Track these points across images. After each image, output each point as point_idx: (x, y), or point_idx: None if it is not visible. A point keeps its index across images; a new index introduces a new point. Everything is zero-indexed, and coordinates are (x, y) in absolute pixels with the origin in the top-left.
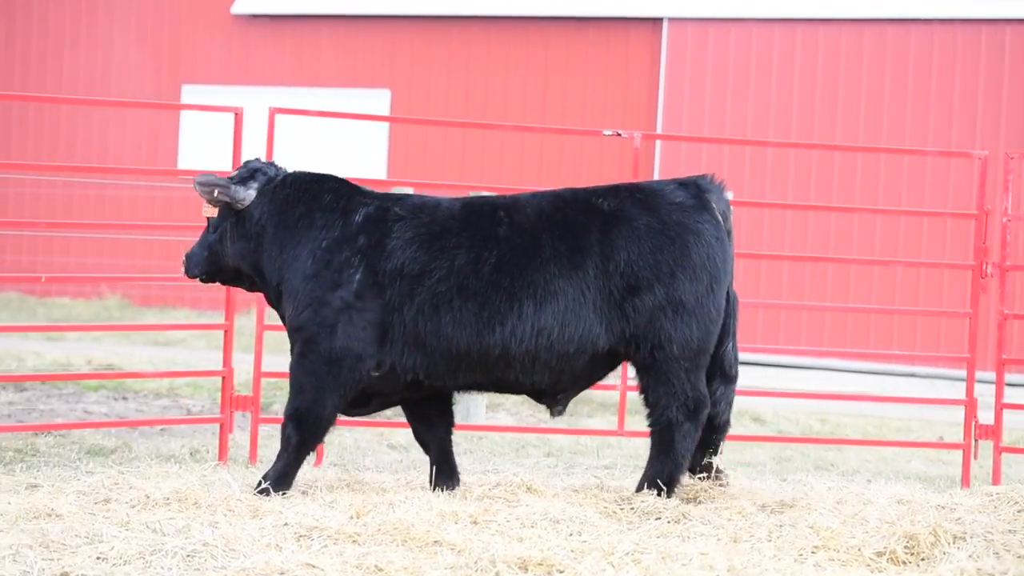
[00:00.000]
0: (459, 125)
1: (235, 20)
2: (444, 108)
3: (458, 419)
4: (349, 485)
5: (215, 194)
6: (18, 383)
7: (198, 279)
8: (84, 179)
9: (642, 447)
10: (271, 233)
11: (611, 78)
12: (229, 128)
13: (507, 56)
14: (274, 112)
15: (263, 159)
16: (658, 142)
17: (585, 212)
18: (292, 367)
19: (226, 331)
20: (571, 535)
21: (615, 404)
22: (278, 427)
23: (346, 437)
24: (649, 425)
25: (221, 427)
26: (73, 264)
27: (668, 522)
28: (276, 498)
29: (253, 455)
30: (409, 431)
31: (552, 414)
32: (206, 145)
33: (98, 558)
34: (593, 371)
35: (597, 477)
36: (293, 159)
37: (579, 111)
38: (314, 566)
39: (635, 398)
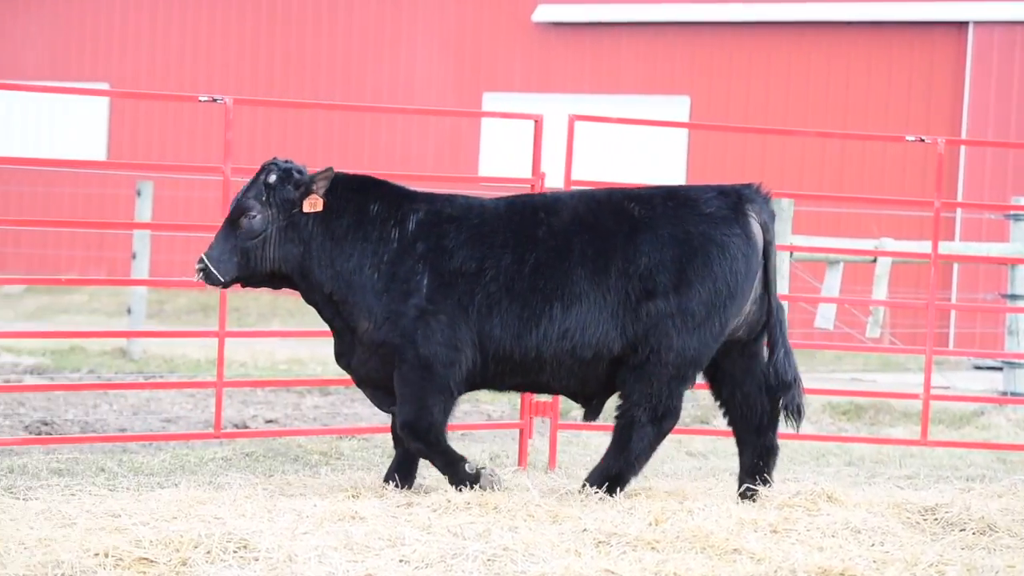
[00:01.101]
0: (759, 131)
1: (536, 28)
2: (743, 114)
3: None
4: (647, 492)
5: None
6: (323, 387)
7: (222, 287)
8: None
9: (946, 457)
10: (319, 241)
11: (914, 83)
12: (529, 135)
13: (808, 62)
14: (573, 119)
15: (279, 159)
16: (963, 148)
17: (616, 216)
18: (395, 380)
19: None
20: (872, 545)
21: (917, 413)
22: (577, 433)
23: None
24: (615, 418)
25: (521, 432)
26: None
27: (973, 534)
28: (575, 504)
29: (552, 461)
30: (707, 438)
31: (586, 418)
32: (506, 152)
33: (400, 560)
34: (612, 376)
35: (900, 487)
36: (593, 166)
37: (881, 117)
38: (613, 572)
39: (940, 407)
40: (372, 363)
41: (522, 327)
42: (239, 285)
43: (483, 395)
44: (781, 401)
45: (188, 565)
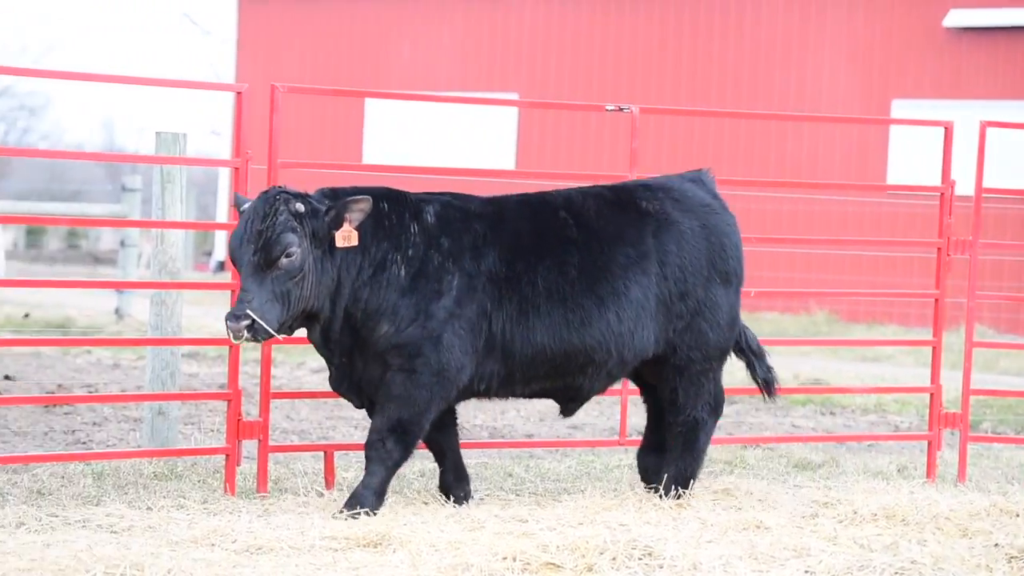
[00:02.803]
0: None
1: (947, 33)
2: None
3: None
4: None
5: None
6: (728, 396)
7: (266, 340)
8: (793, 194)
9: None
10: (348, 263)
11: None
12: (939, 143)
13: None
14: (985, 126)
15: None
16: None
17: (636, 213)
18: (399, 382)
19: (934, 347)
20: None
21: None
22: (988, 446)
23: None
24: (676, 424)
25: (929, 444)
26: (782, 279)
27: None
28: (986, 518)
29: (962, 474)
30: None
31: (566, 415)
32: (914, 160)
33: (806, 572)
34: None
35: None
36: (1005, 175)
37: None
38: None
39: None
40: (370, 370)
41: (571, 331)
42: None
43: (890, 406)
44: (757, 372)
45: (594, 571)
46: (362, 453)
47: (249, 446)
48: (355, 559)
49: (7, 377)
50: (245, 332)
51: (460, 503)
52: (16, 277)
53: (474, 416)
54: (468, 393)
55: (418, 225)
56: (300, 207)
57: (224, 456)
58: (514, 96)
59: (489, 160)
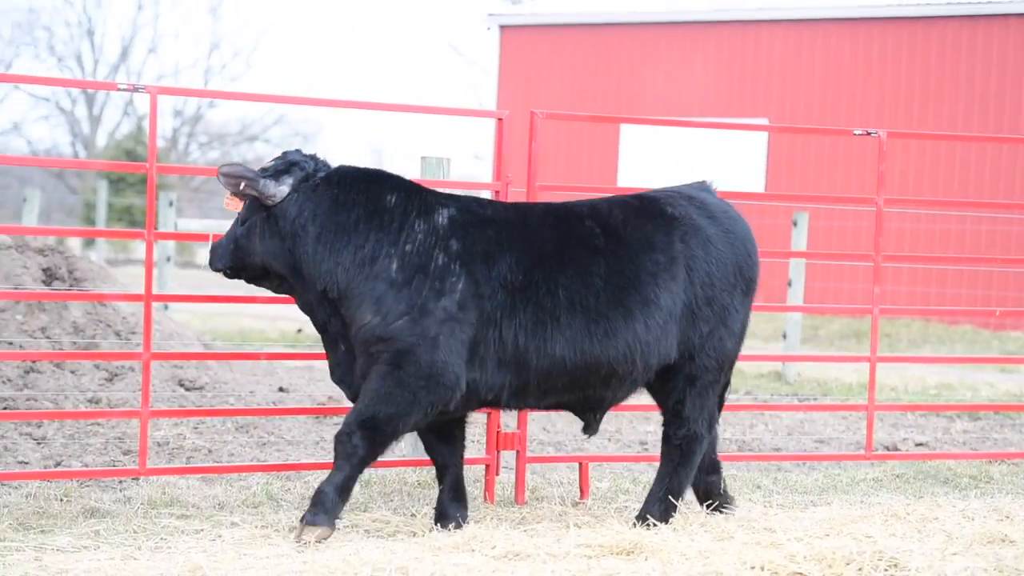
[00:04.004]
0: None
1: None
2: None
3: None
4: None
5: (241, 187)
6: (973, 412)
7: (223, 273)
8: None
9: None
10: (314, 234)
11: None
12: None
13: None
14: None
15: (303, 151)
16: None
17: (663, 218)
18: (381, 375)
19: None
20: None
21: None
22: None
23: None
24: (676, 437)
25: None
26: None
27: None
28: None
29: None
30: None
31: (589, 433)
32: None
33: None
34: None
35: None
36: None
37: None
38: None
39: None
40: (364, 366)
41: (595, 343)
42: (241, 278)
43: None
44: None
45: None
46: (616, 465)
47: (507, 457)
48: (608, 566)
49: (281, 389)
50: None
51: (458, 527)
52: None
53: (723, 430)
54: (476, 403)
55: (425, 223)
56: (267, 165)
57: (484, 466)
58: (764, 121)
59: (739, 183)
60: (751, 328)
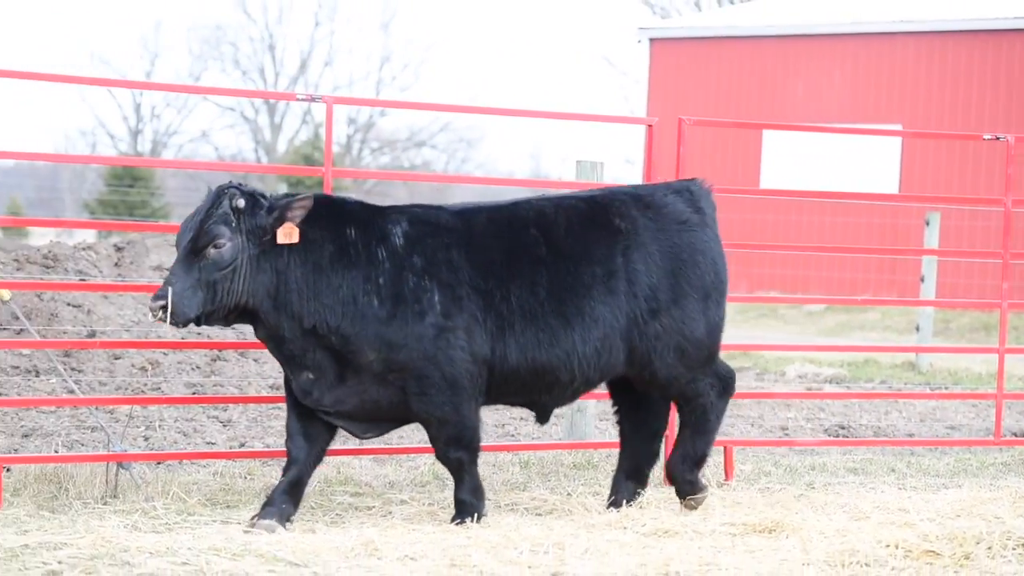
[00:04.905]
0: None
1: None
2: None
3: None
4: None
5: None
6: None
7: (180, 326)
8: None
9: None
10: (299, 272)
11: None
12: None
13: None
14: None
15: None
16: None
17: (606, 230)
18: (420, 407)
19: None
20: None
21: None
22: None
23: None
24: (685, 410)
25: None
26: None
27: None
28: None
29: None
30: None
31: (539, 422)
32: None
33: None
34: None
35: None
36: None
37: None
38: None
39: None
40: (372, 392)
41: (540, 351)
42: (195, 323)
43: None
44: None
45: (971, 559)
46: (759, 449)
47: None
48: (751, 543)
49: None
50: (160, 312)
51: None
52: None
53: (859, 416)
54: None
55: (386, 249)
56: (241, 203)
57: None
58: (897, 127)
59: (874, 185)
60: (887, 321)
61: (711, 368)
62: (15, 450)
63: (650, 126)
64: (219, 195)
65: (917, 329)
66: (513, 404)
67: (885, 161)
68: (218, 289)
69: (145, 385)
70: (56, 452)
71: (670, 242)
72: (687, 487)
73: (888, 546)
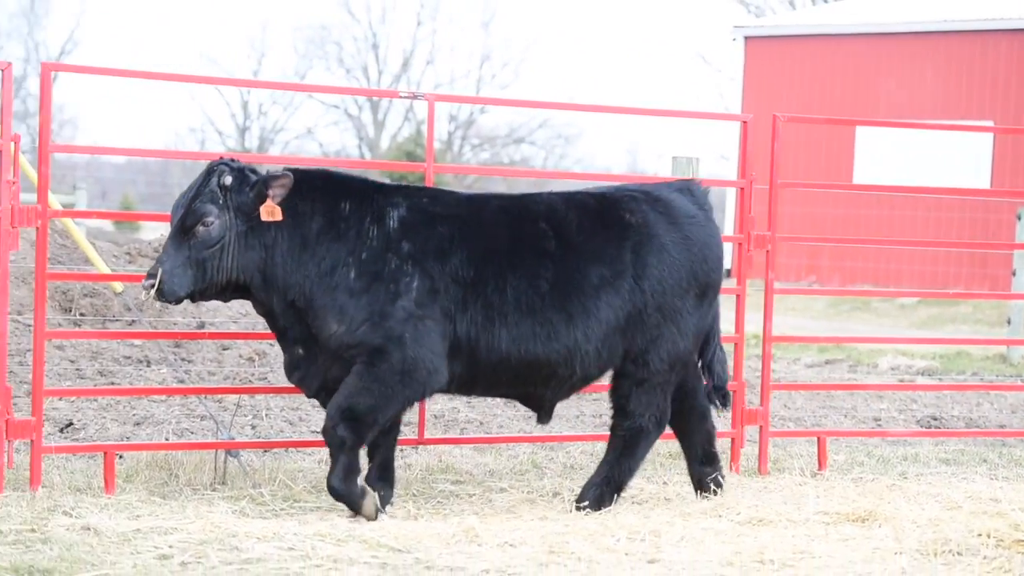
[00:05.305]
0: None
1: None
2: None
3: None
4: None
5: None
6: None
7: (174, 302)
8: None
9: None
10: (285, 246)
11: None
12: None
13: None
14: None
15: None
16: None
17: (617, 226)
18: (358, 372)
19: None
20: None
21: None
22: None
23: None
24: (620, 429)
25: None
26: None
27: None
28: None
29: None
30: None
31: (540, 421)
32: None
33: None
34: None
35: None
36: None
37: None
38: None
39: None
40: (335, 370)
41: (539, 344)
42: (190, 300)
43: None
44: (713, 384)
45: None
46: (852, 439)
47: (751, 431)
48: (844, 532)
49: None
50: (151, 291)
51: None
52: None
53: (951, 408)
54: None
55: (378, 229)
56: (228, 180)
57: (730, 440)
58: (989, 123)
59: (966, 180)
60: (978, 314)
61: (676, 380)
62: (127, 438)
63: (745, 122)
64: (209, 173)
65: (1008, 322)
66: (507, 396)
67: (977, 157)
68: (208, 267)
69: (252, 375)
70: (167, 440)
71: (682, 234)
72: (594, 506)
73: (980, 535)
